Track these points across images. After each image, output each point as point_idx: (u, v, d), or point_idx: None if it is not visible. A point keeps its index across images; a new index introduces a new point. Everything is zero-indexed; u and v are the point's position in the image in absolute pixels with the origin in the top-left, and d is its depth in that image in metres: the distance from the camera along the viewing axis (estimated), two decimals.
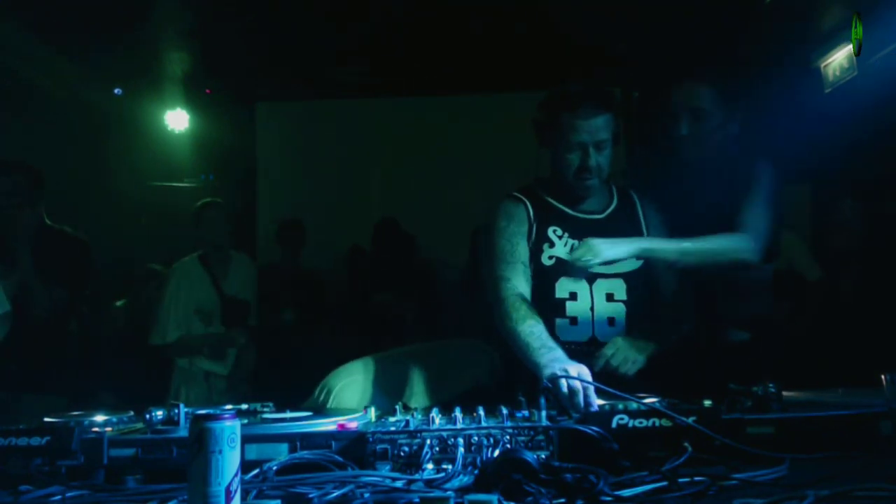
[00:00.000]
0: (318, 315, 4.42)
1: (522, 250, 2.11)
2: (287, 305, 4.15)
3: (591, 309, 2.08)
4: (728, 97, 2.23)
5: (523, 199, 2.19)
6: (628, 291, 2.11)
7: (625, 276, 2.12)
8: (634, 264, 2.13)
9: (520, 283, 2.07)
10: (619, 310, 2.10)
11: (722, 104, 2.21)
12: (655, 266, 2.15)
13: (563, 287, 2.10)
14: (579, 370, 1.68)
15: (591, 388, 1.62)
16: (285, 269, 4.55)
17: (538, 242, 2.13)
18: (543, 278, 2.11)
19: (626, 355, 1.95)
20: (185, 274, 3.81)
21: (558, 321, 2.09)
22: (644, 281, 2.14)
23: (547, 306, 2.09)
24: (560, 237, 2.14)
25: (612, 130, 2.09)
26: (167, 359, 3.77)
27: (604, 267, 2.06)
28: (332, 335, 4.53)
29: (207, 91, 5.27)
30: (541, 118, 2.16)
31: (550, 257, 2.12)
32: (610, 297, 2.10)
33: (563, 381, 1.64)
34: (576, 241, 2.11)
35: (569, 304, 2.09)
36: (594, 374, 1.80)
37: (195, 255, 3.87)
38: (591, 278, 2.10)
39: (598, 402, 1.63)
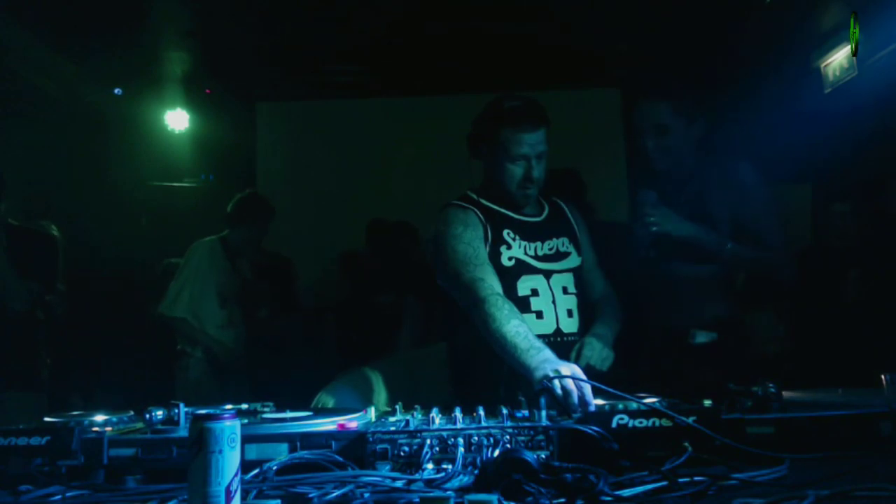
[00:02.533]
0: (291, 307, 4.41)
1: (484, 253, 2.15)
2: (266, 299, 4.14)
3: (553, 302, 2.18)
4: (690, 108, 2.37)
5: (469, 206, 2.25)
6: (576, 284, 2.25)
7: (573, 271, 2.26)
8: (577, 259, 2.28)
9: (494, 282, 2.09)
10: (573, 301, 2.22)
11: (684, 116, 2.34)
12: (586, 263, 2.33)
13: (524, 284, 2.18)
14: (572, 370, 1.69)
15: (588, 387, 1.62)
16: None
17: (495, 245, 2.20)
18: (505, 278, 2.15)
19: (601, 354, 2.13)
20: (207, 254, 3.82)
21: (525, 317, 2.11)
22: (581, 277, 2.30)
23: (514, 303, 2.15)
24: (514, 239, 2.23)
25: (547, 141, 2.20)
26: (177, 357, 3.78)
27: (555, 264, 2.21)
28: (331, 335, 4.54)
29: (207, 91, 5.28)
30: (479, 132, 2.26)
31: (510, 258, 2.19)
32: (565, 290, 2.22)
33: (557, 382, 1.64)
34: (526, 243, 2.23)
35: (532, 299, 2.17)
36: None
37: (216, 237, 3.89)
38: (548, 274, 2.20)
39: (598, 401, 1.63)
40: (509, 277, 2.16)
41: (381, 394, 2.24)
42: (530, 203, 2.27)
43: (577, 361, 2.05)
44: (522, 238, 2.22)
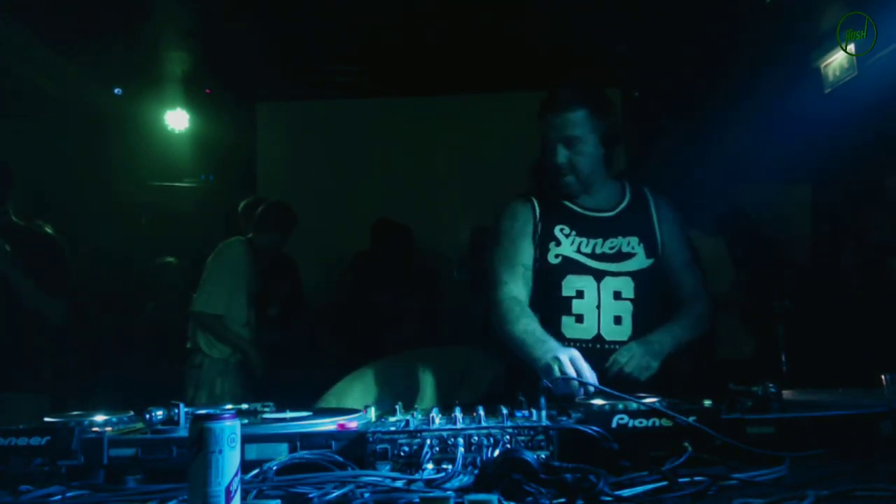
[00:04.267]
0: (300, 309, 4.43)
1: (525, 251, 2.12)
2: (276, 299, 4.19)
3: (598, 307, 2.08)
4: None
5: (532, 198, 2.21)
6: (636, 289, 2.10)
7: (633, 274, 2.10)
8: (644, 262, 2.13)
9: (517, 286, 2.08)
10: (625, 308, 2.09)
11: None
12: (671, 264, 2.16)
13: (569, 285, 2.10)
14: (570, 354, 1.70)
15: (586, 369, 1.64)
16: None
17: (544, 241, 2.14)
18: (550, 276, 2.11)
19: (639, 362, 1.96)
20: (243, 254, 3.88)
21: (564, 319, 2.10)
22: (653, 279, 2.13)
23: (554, 304, 2.10)
24: (567, 235, 2.14)
25: (589, 127, 2.09)
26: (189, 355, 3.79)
27: (613, 265, 2.08)
28: (333, 335, 4.54)
29: (207, 91, 5.27)
30: (538, 121, 2.18)
31: (557, 255, 2.12)
32: (617, 295, 2.09)
33: (556, 367, 1.67)
34: (584, 240, 2.12)
35: (575, 301, 2.09)
36: (605, 379, 1.84)
37: (243, 238, 3.94)
38: (599, 276, 2.09)
39: (598, 402, 1.63)
40: (554, 276, 2.10)
41: (384, 393, 2.22)
42: (573, 192, 2.16)
43: (608, 365, 1.96)
44: (580, 234, 2.13)
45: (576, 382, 1.64)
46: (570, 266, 2.10)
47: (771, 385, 1.53)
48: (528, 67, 4.67)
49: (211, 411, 1.11)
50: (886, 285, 3.43)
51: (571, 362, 1.80)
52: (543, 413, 1.41)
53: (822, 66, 4.00)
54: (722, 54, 4.29)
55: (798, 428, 1.40)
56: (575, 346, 1.98)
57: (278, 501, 1.12)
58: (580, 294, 2.09)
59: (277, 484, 1.21)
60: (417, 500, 1.09)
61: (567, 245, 2.12)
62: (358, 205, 5.06)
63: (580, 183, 2.15)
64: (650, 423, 1.33)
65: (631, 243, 2.14)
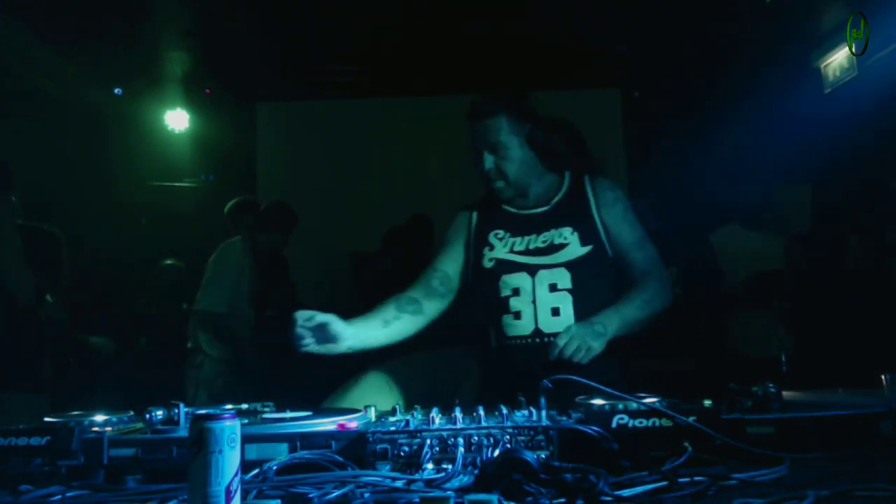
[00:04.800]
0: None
1: (450, 261, 2.25)
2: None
3: (533, 301, 2.11)
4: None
5: (473, 208, 2.30)
6: (574, 279, 2.11)
7: (567, 265, 2.12)
8: (579, 250, 2.14)
9: (416, 290, 2.19)
10: (563, 299, 2.10)
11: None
12: (618, 246, 2.16)
13: (505, 284, 2.15)
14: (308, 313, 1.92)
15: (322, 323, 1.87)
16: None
17: (479, 248, 2.22)
18: (487, 281, 2.17)
19: (579, 343, 1.93)
20: (245, 254, 3.89)
21: (504, 318, 2.15)
22: (594, 266, 2.14)
23: (494, 306, 2.17)
24: (501, 239, 2.21)
25: (510, 131, 2.14)
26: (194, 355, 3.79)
27: (546, 258, 2.13)
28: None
29: (207, 91, 5.27)
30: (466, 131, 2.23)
31: (491, 259, 2.18)
32: (553, 288, 2.11)
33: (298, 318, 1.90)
34: (517, 239, 2.18)
35: (512, 300, 2.13)
36: (549, 365, 1.88)
37: (241, 238, 3.95)
38: (533, 271, 2.13)
39: (598, 401, 1.62)
40: (491, 279, 2.16)
41: (395, 394, 2.22)
42: (506, 196, 2.21)
43: (550, 350, 1.93)
44: (514, 234, 2.19)
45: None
46: (504, 267, 2.16)
47: (771, 385, 1.54)
48: (528, 67, 4.67)
49: (211, 411, 1.11)
50: (887, 285, 3.43)
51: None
52: (543, 413, 1.41)
53: (822, 66, 4.00)
54: (722, 54, 4.30)
55: (798, 428, 1.40)
56: (516, 343, 2.10)
57: (278, 501, 1.12)
58: (516, 291, 2.13)
59: (277, 484, 1.21)
60: (417, 500, 1.09)
61: (500, 248, 2.19)
62: (358, 205, 5.06)
63: (511, 186, 2.19)
64: (650, 423, 1.33)
65: (563, 234, 2.16)
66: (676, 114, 4.88)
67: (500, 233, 2.21)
